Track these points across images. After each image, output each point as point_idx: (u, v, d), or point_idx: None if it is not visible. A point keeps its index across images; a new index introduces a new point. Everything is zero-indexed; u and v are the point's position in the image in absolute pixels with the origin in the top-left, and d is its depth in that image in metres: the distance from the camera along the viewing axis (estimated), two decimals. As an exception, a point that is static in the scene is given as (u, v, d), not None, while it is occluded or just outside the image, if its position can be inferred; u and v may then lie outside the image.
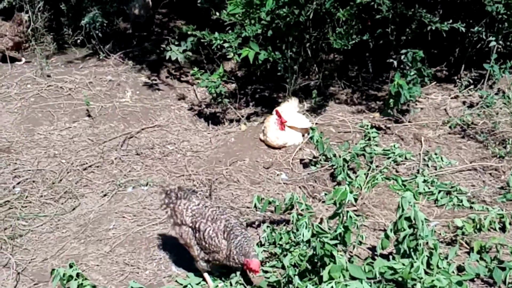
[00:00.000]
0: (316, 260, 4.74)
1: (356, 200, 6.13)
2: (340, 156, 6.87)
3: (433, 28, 7.70)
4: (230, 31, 7.74)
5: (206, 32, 7.79)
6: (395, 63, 8.22)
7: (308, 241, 5.02)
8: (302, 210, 5.84)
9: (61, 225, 6.23)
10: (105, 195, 6.72)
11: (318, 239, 4.47)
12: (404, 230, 4.90)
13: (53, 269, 4.58)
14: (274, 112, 7.69)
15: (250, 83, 9.32)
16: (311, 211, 5.85)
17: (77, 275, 4.55)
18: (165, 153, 7.55)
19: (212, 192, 6.54)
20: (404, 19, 8.18)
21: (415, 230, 4.88)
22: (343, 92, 8.94)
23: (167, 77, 9.45)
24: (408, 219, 4.87)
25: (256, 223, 6.05)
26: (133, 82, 9.14)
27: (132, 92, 8.88)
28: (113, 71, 9.35)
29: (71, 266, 4.67)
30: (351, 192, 4.75)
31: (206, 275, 5.23)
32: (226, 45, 7.70)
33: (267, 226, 5.75)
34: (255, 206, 5.83)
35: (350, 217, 4.74)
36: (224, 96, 8.19)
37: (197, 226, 5.06)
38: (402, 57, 7.81)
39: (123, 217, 6.26)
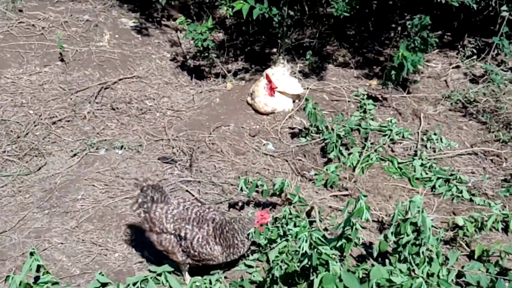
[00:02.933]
0: (308, 266, 4.24)
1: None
2: (333, 130, 6.33)
3: (443, 2, 7.05)
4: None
5: (197, -21, 7.07)
6: (399, 28, 7.62)
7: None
8: (294, 203, 5.31)
9: (24, 188, 5.64)
10: (74, 155, 6.11)
11: (315, 249, 3.95)
12: (408, 235, 4.42)
13: (8, 276, 3.98)
14: (264, 75, 7.05)
15: (241, 33, 8.62)
16: (302, 203, 5.32)
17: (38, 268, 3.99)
18: (143, 110, 6.93)
19: (193, 163, 5.96)
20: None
21: (419, 236, 4.41)
22: (339, 53, 8.28)
23: (150, 21, 8.68)
24: (414, 224, 4.38)
25: (240, 204, 5.52)
26: (112, 24, 8.35)
27: (110, 35, 8.12)
28: (91, 10, 8.51)
29: (32, 254, 4.12)
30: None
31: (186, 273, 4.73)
32: (219, -5, 7.03)
33: (252, 213, 5.22)
34: (241, 189, 5.29)
35: (356, 229, 4.21)
36: (211, 50, 7.50)
37: (182, 234, 4.48)
38: (407, 23, 7.17)
39: (93, 185, 5.67)
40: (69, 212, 5.35)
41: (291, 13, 7.31)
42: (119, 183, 5.71)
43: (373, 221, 5.46)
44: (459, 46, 8.44)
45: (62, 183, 5.70)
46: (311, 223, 5.16)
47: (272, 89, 6.83)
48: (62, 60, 7.46)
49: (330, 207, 5.53)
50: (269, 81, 6.86)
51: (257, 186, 5.28)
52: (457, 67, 8.13)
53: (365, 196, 4.14)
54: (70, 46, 7.67)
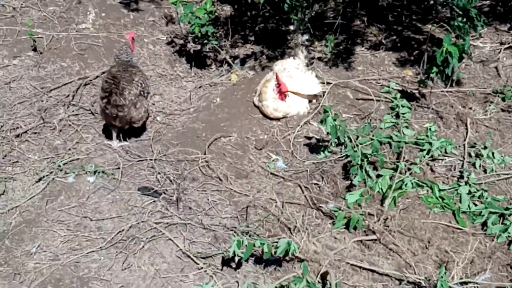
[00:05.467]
0: None
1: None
2: (357, 145, 5.08)
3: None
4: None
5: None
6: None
7: None
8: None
9: (-26, 230, 4.53)
10: (39, 180, 4.97)
11: None
12: None
13: None
14: (273, 74, 5.75)
15: (251, 6, 7.22)
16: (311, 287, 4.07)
17: None
18: (128, 115, 5.73)
19: (181, 195, 4.75)
20: None
21: None
22: (367, 32, 6.89)
23: (145, -7, 7.37)
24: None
25: (236, 259, 4.31)
26: (99, -1, 7.05)
27: (96, 13, 6.83)
28: (76, -20, 7.22)
29: None
30: None
31: None
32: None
33: (250, 283, 4.03)
34: (233, 253, 4.09)
35: None
36: (211, 37, 6.22)
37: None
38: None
39: (54, 231, 4.50)
40: (19, 274, 4.19)
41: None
42: (86, 228, 4.52)
43: (408, 282, 4.25)
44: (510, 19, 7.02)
45: (18, 225, 4.55)
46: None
47: (282, 93, 5.55)
48: (35, 50, 6.24)
49: (352, 265, 4.32)
50: (279, 84, 5.56)
51: (254, 246, 4.09)
52: (510, 47, 6.71)
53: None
54: (45, 31, 6.45)
